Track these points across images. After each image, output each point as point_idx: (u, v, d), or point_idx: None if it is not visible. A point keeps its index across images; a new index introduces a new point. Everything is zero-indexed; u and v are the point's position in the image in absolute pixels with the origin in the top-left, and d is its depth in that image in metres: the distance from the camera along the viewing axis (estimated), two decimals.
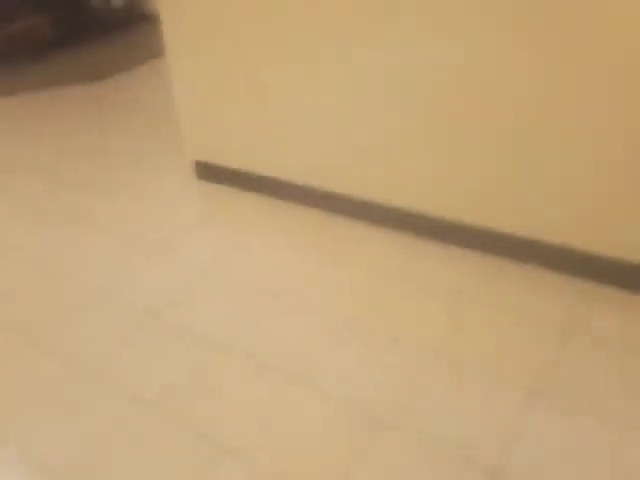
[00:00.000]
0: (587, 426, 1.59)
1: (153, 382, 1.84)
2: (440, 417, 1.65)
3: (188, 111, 2.78)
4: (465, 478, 1.49)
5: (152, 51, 4.73)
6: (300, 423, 1.67)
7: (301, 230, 2.50)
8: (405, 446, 1.58)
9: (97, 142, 3.44)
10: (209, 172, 2.89)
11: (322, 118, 2.39)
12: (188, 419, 1.71)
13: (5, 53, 4.75)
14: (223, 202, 2.75)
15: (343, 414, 1.68)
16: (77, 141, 3.47)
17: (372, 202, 2.44)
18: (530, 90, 1.89)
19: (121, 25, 5.33)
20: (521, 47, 1.84)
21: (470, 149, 2.10)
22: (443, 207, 2.27)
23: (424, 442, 1.59)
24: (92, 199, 2.88)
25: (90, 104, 3.96)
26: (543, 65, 1.83)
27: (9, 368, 1.93)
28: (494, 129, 2.02)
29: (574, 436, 1.57)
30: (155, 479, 1.55)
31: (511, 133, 2.00)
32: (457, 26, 1.91)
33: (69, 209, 2.80)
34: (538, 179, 2.02)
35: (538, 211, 2.08)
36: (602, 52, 1.74)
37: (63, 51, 4.85)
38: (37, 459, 1.62)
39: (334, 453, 1.58)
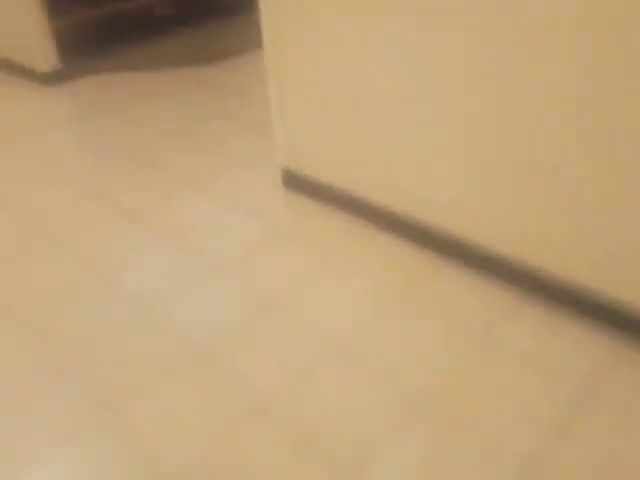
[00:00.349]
0: None
1: (174, 447, 1.50)
2: None
3: (282, 114, 2.42)
4: None
5: None
6: None
7: (395, 267, 2.08)
8: None
9: (185, 128, 3.19)
10: (298, 182, 2.52)
11: (431, 146, 1.95)
12: None
13: (120, 29, 4.65)
14: (307, 219, 2.37)
15: None
16: (166, 125, 3.23)
17: (482, 247, 1.97)
18: None
19: (244, 8, 5.10)
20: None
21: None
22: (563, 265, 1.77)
23: None
24: (161, 189, 2.62)
25: (193, 88, 3.73)
26: None
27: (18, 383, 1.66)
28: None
29: None
30: None
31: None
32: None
33: (136, 198, 2.55)
34: None
35: None
36: None
37: (181, 31, 4.68)
38: None
39: None
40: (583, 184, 1.65)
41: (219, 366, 1.72)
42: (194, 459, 1.46)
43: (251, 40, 4.52)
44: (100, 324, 1.90)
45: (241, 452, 1.47)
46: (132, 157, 2.94)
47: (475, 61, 1.71)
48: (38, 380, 1.70)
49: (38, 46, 3.85)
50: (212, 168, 2.78)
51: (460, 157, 1.90)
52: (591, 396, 1.57)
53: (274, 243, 2.24)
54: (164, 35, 4.64)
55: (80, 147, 3.09)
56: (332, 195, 2.40)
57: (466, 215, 1.97)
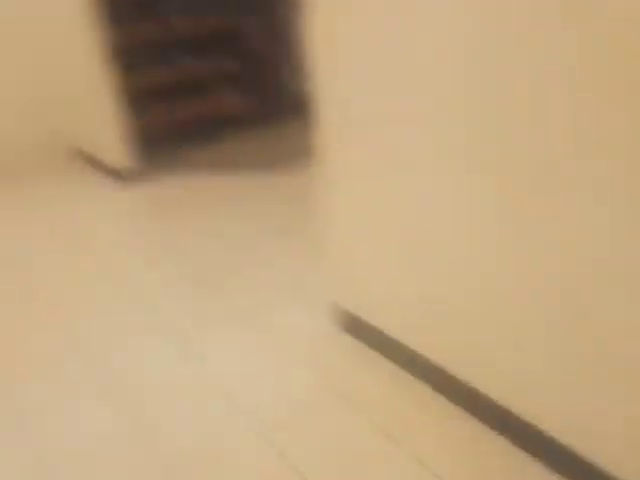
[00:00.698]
0: None
1: None
2: None
3: (336, 243, 2.10)
4: None
5: None
6: None
7: (460, 453, 1.69)
8: None
9: (248, 246, 2.93)
10: (351, 325, 2.17)
11: (513, 312, 1.54)
12: None
13: (197, 129, 4.55)
14: (358, 374, 2.00)
15: None
16: (231, 241, 3.00)
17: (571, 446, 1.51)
18: None
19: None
20: None
21: None
22: None
23: None
24: (208, 320, 2.40)
25: (267, 196, 3.48)
26: None
27: None
28: None
29: None
30: None
31: None
32: None
33: (182, 328, 2.32)
34: None
35: None
36: None
37: (249, 132, 4.53)
38: None
39: None
40: None
41: None
42: None
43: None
44: None
45: None
46: (187, 276, 2.73)
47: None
48: None
49: (117, 144, 3.87)
50: (263, 298, 2.48)
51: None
52: None
53: (319, 403, 1.89)
54: (240, 135, 4.53)
55: (140, 257, 2.92)
56: (393, 349, 2.02)
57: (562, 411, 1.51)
